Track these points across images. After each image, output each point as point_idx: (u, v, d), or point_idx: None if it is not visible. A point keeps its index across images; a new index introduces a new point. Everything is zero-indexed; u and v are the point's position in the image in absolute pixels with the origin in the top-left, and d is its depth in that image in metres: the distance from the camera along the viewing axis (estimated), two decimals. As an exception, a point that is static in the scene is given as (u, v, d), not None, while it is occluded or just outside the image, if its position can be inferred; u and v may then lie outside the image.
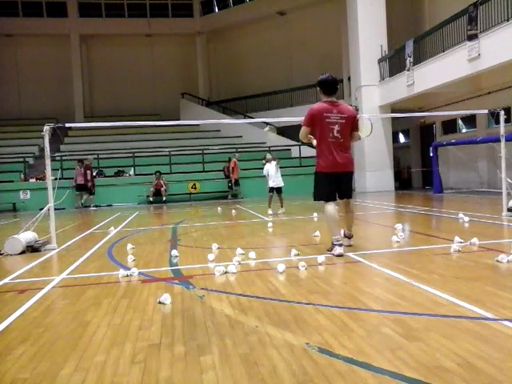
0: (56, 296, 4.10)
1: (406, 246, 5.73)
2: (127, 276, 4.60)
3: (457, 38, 13.60)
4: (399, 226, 6.83)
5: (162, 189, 17.97)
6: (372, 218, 9.03)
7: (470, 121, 17.18)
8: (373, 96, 18.00)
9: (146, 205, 17.55)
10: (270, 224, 8.52)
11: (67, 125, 7.74)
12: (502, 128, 8.19)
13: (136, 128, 23.57)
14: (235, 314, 3.20)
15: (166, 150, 20.62)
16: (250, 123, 21.58)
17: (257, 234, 7.83)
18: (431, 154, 16.15)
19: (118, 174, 19.15)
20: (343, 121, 5.15)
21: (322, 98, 5.29)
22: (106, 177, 18.74)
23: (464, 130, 17.77)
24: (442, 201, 12.87)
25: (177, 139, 23.28)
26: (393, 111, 17.69)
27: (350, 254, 5.14)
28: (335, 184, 5.28)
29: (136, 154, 19.69)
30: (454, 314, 2.98)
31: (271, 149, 20.27)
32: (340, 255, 5.05)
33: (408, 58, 15.94)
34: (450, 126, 18.40)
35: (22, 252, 6.52)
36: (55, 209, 7.20)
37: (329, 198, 5.27)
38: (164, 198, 17.87)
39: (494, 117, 8.34)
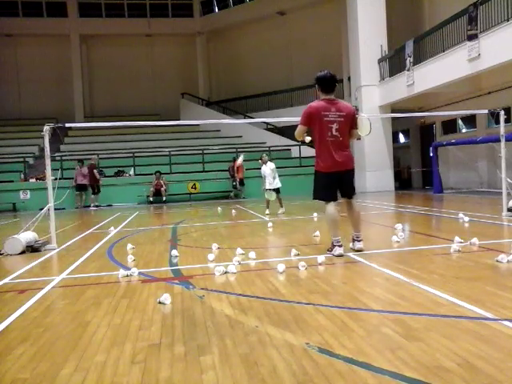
0: (56, 296, 4.10)
1: (405, 246, 5.73)
2: (127, 276, 4.60)
3: (457, 38, 13.60)
4: (399, 226, 6.82)
5: (162, 189, 17.97)
6: (372, 218, 9.03)
7: (469, 121, 17.18)
8: (373, 96, 18.00)
9: (146, 205, 17.55)
10: (269, 224, 8.52)
11: (67, 125, 7.74)
12: (502, 128, 8.19)
13: (136, 128, 23.56)
14: (235, 314, 3.20)
15: (166, 149, 20.62)
16: (249, 123, 21.58)
17: (257, 233, 7.83)
18: (431, 154, 16.15)
19: (118, 173, 19.15)
20: (342, 119, 5.07)
21: (320, 96, 5.20)
22: (105, 177, 18.74)
23: (464, 130, 17.76)
24: (442, 201, 12.87)
25: (177, 139, 23.28)
26: (393, 111, 17.69)
27: (350, 254, 5.14)
28: (335, 183, 5.19)
29: (136, 154, 19.69)
30: (454, 314, 2.98)
31: (271, 149, 20.30)
32: (340, 255, 5.05)
33: (408, 58, 15.94)
34: (449, 126, 18.40)
35: (22, 252, 6.52)
36: (55, 209, 7.20)
37: (328, 198, 5.22)
38: (164, 198, 17.88)
39: (493, 117, 8.34)
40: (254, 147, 21.83)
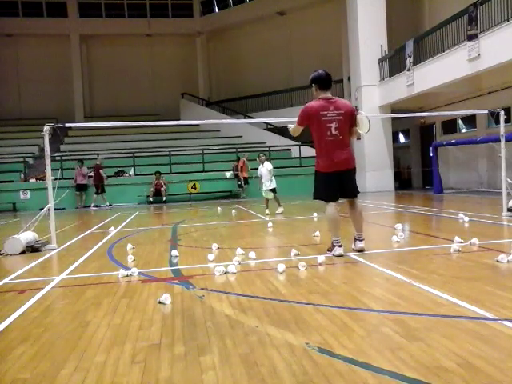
0: (56, 296, 4.10)
1: (406, 246, 5.73)
2: (127, 276, 4.60)
3: (457, 38, 13.60)
4: (399, 226, 6.82)
5: (162, 189, 17.97)
6: (372, 218, 9.02)
7: (470, 121, 17.18)
8: (373, 96, 18.00)
9: (146, 205, 17.55)
10: (269, 224, 8.52)
11: (67, 125, 7.73)
12: (502, 128, 8.19)
13: (136, 128, 23.56)
14: (235, 314, 3.20)
15: (166, 150, 20.62)
16: (249, 123, 21.58)
17: (257, 233, 7.83)
18: (431, 154, 16.15)
19: (118, 173, 19.14)
20: (341, 117, 5.00)
21: (318, 95, 5.14)
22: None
23: (464, 130, 17.77)
24: (442, 201, 12.87)
25: (177, 139, 23.28)
26: (393, 111, 17.69)
27: (350, 254, 5.14)
28: (336, 183, 5.11)
29: (136, 154, 19.69)
30: (454, 314, 2.98)
31: (271, 149, 20.30)
32: (340, 255, 5.05)
33: (408, 58, 15.94)
34: (449, 126, 18.40)
35: (22, 252, 6.52)
36: (55, 209, 7.20)
37: (328, 199, 5.19)
38: (164, 198, 17.88)
39: (494, 117, 8.34)
40: (254, 147, 21.82)
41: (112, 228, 9.20)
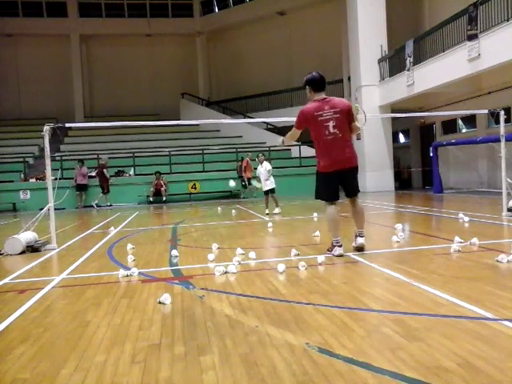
0: (56, 296, 4.10)
1: (406, 246, 5.73)
2: (127, 276, 4.60)
3: (457, 38, 13.60)
4: (399, 226, 6.82)
5: (162, 189, 17.97)
6: (372, 218, 9.02)
7: (470, 121, 17.18)
8: (373, 96, 17.99)
9: (146, 205, 17.55)
10: (269, 224, 8.52)
11: (67, 125, 7.74)
12: (502, 128, 8.19)
13: (136, 128, 23.56)
14: (235, 314, 3.20)
15: (166, 150, 20.62)
16: (249, 123, 21.58)
17: (257, 233, 7.83)
18: (431, 154, 16.15)
19: (118, 173, 19.15)
20: (338, 115, 4.98)
21: (312, 97, 5.14)
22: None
23: (464, 130, 17.77)
24: (442, 201, 12.87)
25: (177, 139, 23.28)
26: (393, 111, 17.69)
27: (350, 254, 5.14)
28: (337, 183, 5.11)
29: (136, 154, 19.69)
30: (454, 314, 2.98)
31: (271, 149, 20.30)
32: (340, 255, 5.05)
33: (408, 58, 15.94)
34: (450, 125, 18.40)
35: (22, 252, 6.52)
36: (55, 209, 7.20)
37: (330, 198, 5.18)
38: (164, 198, 17.88)
39: (494, 117, 8.34)
40: (254, 147, 21.82)
41: (112, 228, 9.20)
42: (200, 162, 19.99)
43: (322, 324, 2.90)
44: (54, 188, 7.01)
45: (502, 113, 8.20)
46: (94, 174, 18.63)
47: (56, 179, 8.33)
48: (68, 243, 7.42)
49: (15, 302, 3.87)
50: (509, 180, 8.10)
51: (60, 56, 27.59)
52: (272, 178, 10.78)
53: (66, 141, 22.59)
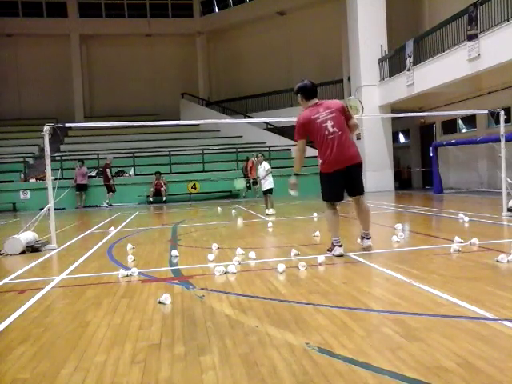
0: (56, 296, 4.10)
1: (406, 246, 5.73)
2: (127, 276, 4.60)
3: (457, 38, 13.60)
4: (399, 226, 6.82)
5: (162, 189, 17.97)
6: (372, 218, 9.00)
7: (470, 121, 17.18)
8: (373, 96, 17.99)
9: (146, 205, 17.55)
10: (269, 224, 8.52)
11: (67, 125, 7.74)
12: (502, 128, 8.19)
13: (136, 128, 23.54)
14: (235, 314, 3.20)
15: (166, 150, 20.61)
16: (249, 123, 21.57)
17: (257, 233, 7.83)
18: (431, 154, 16.15)
19: (118, 173, 19.15)
20: (334, 114, 5.01)
21: (304, 105, 5.17)
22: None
23: (464, 130, 17.76)
24: (442, 201, 12.87)
25: (177, 139, 23.27)
26: (393, 111, 17.69)
27: (350, 254, 5.14)
28: (342, 182, 5.07)
29: (136, 154, 19.69)
30: (454, 314, 2.98)
31: (271, 149, 20.30)
32: (340, 255, 5.04)
33: (408, 58, 15.94)
34: (450, 125, 18.40)
35: (22, 252, 6.52)
36: (55, 209, 7.20)
37: (334, 198, 5.17)
38: (164, 198, 17.88)
39: (494, 117, 8.34)
40: (254, 147, 21.82)
41: (112, 228, 9.20)
42: (200, 162, 19.98)
43: (322, 324, 2.90)
44: (54, 188, 7.01)
45: (502, 113, 8.20)
46: (94, 173, 18.65)
47: (56, 179, 8.33)
48: (68, 243, 7.42)
49: (15, 302, 3.87)
50: (509, 180, 8.10)
51: (60, 56, 27.58)
52: (271, 179, 10.72)
53: (66, 141, 22.58)
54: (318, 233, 6.74)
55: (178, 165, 19.74)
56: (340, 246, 5.11)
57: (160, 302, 3.55)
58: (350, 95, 19.63)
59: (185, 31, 28.59)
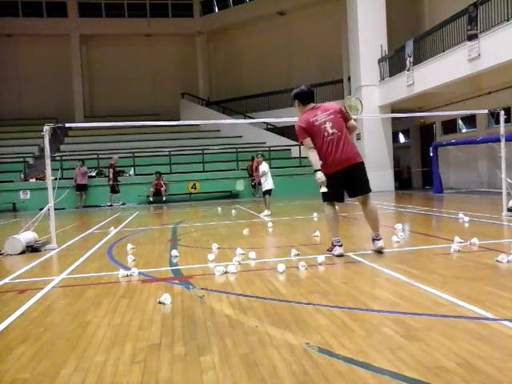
0: (56, 296, 4.10)
1: (406, 246, 5.73)
2: (127, 276, 4.60)
3: (457, 38, 13.61)
4: (399, 226, 6.82)
5: (162, 189, 17.97)
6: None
7: (470, 121, 17.18)
8: (373, 96, 17.99)
9: (146, 205, 17.55)
10: (269, 224, 8.52)
11: (67, 125, 7.74)
12: (502, 128, 8.19)
13: (136, 128, 23.55)
14: (235, 314, 3.20)
15: (166, 150, 20.62)
16: (250, 123, 21.58)
17: (257, 233, 7.83)
18: (431, 154, 16.15)
19: (118, 173, 19.15)
20: (332, 116, 5.01)
21: (300, 110, 5.17)
22: (106, 177, 18.73)
23: (464, 130, 17.77)
24: (442, 201, 12.87)
25: (177, 139, 23.28)
26: (393, 111, 17.69)
27: (350, 254, 5.14)
28: (342, 183, 5.04)
29: (136, 154, 19.69)
30: (454, 314, 2.98)
31: (271, 149, 20.30)
32: (340, 255, 5.04)
33: (408, 58, 15.94)
34: (450, 125, 18.40)
35: (22, 252, 6.52)
36: (55, 209, 7.20)
37: (335, 199, 5.16)
38: (164, 198, 17.88)
39: (494, 117, 8.34)
40: (254, 147, 21.83)
41: (112, 228, 9.20)
42: (200, 162, 19.99)
43: (322, 324, 2.90)
44: (54, 188, 7.01)
45: (502, 113, 8.20)
46: (94, 173, 18.66)
47: (56, 179, 8.34)
48: (68, 243, 7.42)
49: (15, 301, 3.87)
50: (509, 180, 8.10)
51: (60, 56, 27.58)
52: (270, 179, 10.59)
53: (66, 141, 22.59)
54: (318, 233, 6.74)
55: (178, 165, 19.74)
56: (340, 245, 5.11)
57: (160, 302, 3.55)
58: (350, 95, 19.65)
59: (185, 31, 28.59)
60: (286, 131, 22.07)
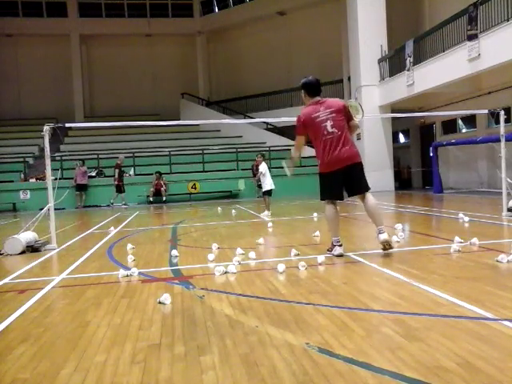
0: (56, 296, 4.10)
1: (406, 246, 5.73)
2: (127, 276, 4.60)
3: (457, 38, 13.61)
4: (399, 226, 6.82)
5: (162, 189, 17.97)
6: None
7: (470, 121, 17.18)
8: (373, 96, 17.99)
9: (146, 205, 17.56)
10: (269, 224, 8.52)
11: (67, 125, 7.74)
12: (502, 128, 8.19)
13: (136, 128, 23.56)
14: (235, 314, 3.20)
15: (166, 149, 20.62)
16: (250, 123, 21.57)
17: (257, 234, 7.82)
18: (431, 154, 16.15)
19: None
20: (334, 114, 5.01)
21: (306, 101, 5.18)
22: (106, 177, 18.74)
23: (464, 130, 17.77)
24: (442, 201, 12.87)
25: (177, 139, 23.28)
26: (393, 111, 17.69)
27: (350, 254, 5.14)
28: (341, 182, 5.05)
29: (136, 154, 19.69)
30: (454, 314, 2.98)
31: (271, 149, 20.29)
32: (340, 255, 5.04)
33: (408, 58, 15.94)
34: (450, 125, 18.41)
35: (22, 252, 6.52)
36: (55, 209, 7.20)
37: (333, 197, 5.16)
38: (164, 198, 17.88)
39: (494, 117, 8.34)
40: (254, 147, 21.82)
41: (112, 228, 9.20)
42: (200, 162, 19.99)
43: (322, 324, 2.90)
44: (54, 188, 7.01)
45: (502, 113, 8.20)
46: (94, 173, 18.66)
47: (56, 179, 8.34)
48: (68, 243, 7.42)
49: (15, 301, 3.87)
50: (509, 180, 8.10)
51: (60, 56, 27.59)
52: (269, 180, 10.49)
53: (66, 141, 22.59)
54: (317, 233, 6.74)
55: (178, 165, 19.74)
56: (340, 245, 5.11)
57: (160, 302, 3.55)
58: (350, 95, 19.67)
59: (185, 31, 28.59)
60: (285, 131, 22.06)
